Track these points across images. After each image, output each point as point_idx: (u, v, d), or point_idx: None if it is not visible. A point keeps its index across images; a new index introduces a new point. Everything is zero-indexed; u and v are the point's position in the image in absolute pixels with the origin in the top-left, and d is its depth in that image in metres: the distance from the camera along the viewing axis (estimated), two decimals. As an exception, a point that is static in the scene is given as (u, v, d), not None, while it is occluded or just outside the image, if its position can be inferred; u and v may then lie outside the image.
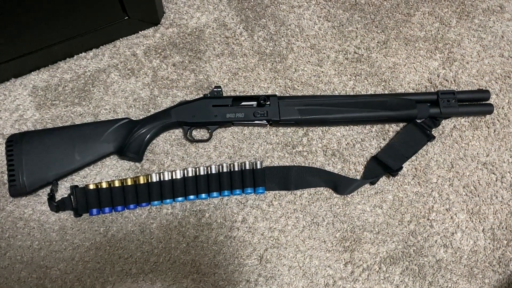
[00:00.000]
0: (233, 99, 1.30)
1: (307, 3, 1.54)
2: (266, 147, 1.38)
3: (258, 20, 1.52)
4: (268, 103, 1.32)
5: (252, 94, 1.42)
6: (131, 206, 1.25)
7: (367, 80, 1.42)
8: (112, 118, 1.36)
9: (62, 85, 1.41)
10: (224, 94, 1.38)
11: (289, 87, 1.46)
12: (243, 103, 1.31)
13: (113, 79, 1.42)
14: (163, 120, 1.32)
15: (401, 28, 1.47)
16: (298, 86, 1.46)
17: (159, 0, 1.42)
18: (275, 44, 1.50)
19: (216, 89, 1.32)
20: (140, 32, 1.47)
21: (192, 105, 1.32)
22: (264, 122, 1.36)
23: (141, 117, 1.37)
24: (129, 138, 1.30)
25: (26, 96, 1.37)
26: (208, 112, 1.32)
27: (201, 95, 1.39)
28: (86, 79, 1.42)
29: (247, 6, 1.53)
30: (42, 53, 1.34)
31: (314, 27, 1.51)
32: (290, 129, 1.41)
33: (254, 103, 1.32)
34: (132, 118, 1.36)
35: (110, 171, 1.32)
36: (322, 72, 1.48)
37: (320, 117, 1.34)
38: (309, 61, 1.50)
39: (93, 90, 1.41)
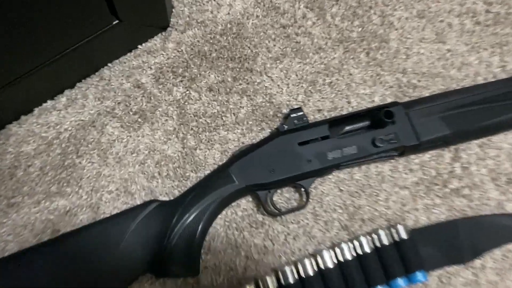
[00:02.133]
0: (330, 125, 0.81)
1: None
2: (399, 196, 0.83)
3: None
4: (392, 119, 0.79)
5: (355, 110, 0.89)
6: None
7: (523, 49, 0.90)
8: (126, 208, 0.79)
9: (23, 168, 0.83)
10: (309, 120, 0.83)
11: (404, 85, 0.91)
12: (348, 128, 0.83)
13: (111, 136, 0.85)
14: (221, 190, 0.76)
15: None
16: (419, 81, 0.91)
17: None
18: (363, 22, 0.95)
19: (294, 114, 0.81)
20: (140, 46, 0.91)
21: (264, 151, 0.78)
22: (393, 152, 0.83)
23: (176, 194, 0.82)
24: (168, 236, 0.75)
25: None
26: (294, 157, 0.77)
27: (271, 130, 0.87)
28: (63, 146, 0.84)
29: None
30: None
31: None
32: (429, 155, 0.88)
33: (366, 123, 0.83)
34: (163, 199, 0.81)
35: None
36: (449, 51, 0.95)
37: (482, 124, 0.82)
38: (423, 38, 0.96)
39: (79, 162, 0.83)
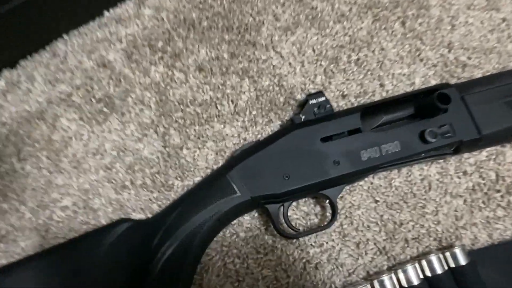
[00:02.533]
0: (362, 114, 0.63)
1: None
2: (451, 207, 0.64)
3: None
4: (448, 104, 0.58)
5: (392, 95, 0.69)
6: None
7: None
8: (88, 231, 0.58)
9: None
10: (334, 108, 0.63)
11: (451, 63, 0.70)
12: (386, 118, 0.63)
13: (67, 132, 0.63)
14: (217, 204, 0.56)
15: None
16: (470, 58, 0.71)
17: None
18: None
19: (314, 100, 0.62)
20: (107, 11, 0.70)
21: (274, 151, 0.59)
22: (446, 150, 0.64)
23: (156, 209, 0.61)
24: (147, 269, 0.55)
25: None
26: (316, 157, 0.58)
27: (282, 122, 0.67)
28: (3, 141, 0.65)
29: None
30: None
31: None
32: (486, 153, 0.67)
33: (409, 110, 0.64)
34: (137, 216, 0.61)
35: None
36: (503, 20, 0.74)
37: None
38: (471, 4, 0.76)
39: (21, 168, 0.61)
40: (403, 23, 0.73)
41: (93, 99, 0.65)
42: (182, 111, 0.66)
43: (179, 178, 0.63)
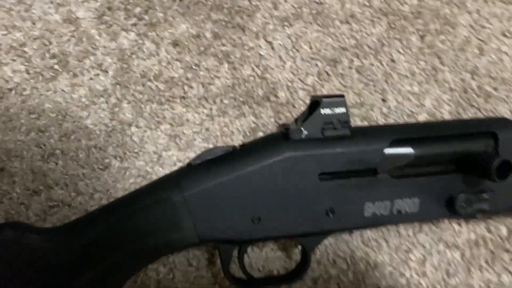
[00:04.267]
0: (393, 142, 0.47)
1: None
2: (444, 259, 0.52)
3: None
4: (508, 177, 0.43)
5: (391, 111, 0.58)
6: None
7: None
8: None
9: None
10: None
11: (472, 91, 0.59)
12: (417, 156, 0.48)
13: (7, 83, 0.54)
14: (152, 232, 0.43)
15: None
16: (496, 88, 0.60)
17: None
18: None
19: (329, 110, 0.45)
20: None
21: (250, 176, 0.43)
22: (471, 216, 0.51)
23: (82, 187, 0.51)
24: None
25: None
26: (304, 199, 0.44)
27: (255, 118, 0.57)
28: None
29: None
30: None
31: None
32: None
33: (448, 151, 0.48)
34: (56, 194, 0.51)
35: None
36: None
37: None
38: (508, 31, 0.66)
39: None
40: (422, 37, 0.64)
41: (47, 54, 0.57)
42: (143, 85, 0.57)
43: (118, 158, 0.53)
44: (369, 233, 0.53)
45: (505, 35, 0.65)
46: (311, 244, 0.46)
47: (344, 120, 0.44)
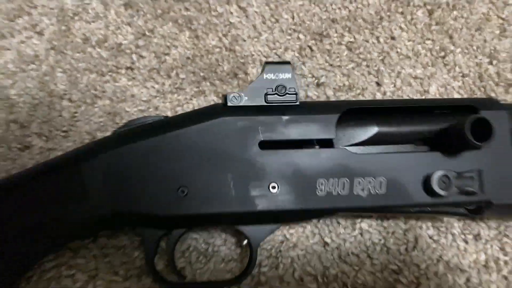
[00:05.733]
0: (344, 113, 0.41)
1: None
2: (444, 284, 0.41)
3: None
4: (488, 139, 0.35)
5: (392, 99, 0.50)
6: None
7: None
8: None
9: None
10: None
11: (490, 77, 0.50)
12: (379, 131, 0.42)
13: None
14: (54, 207, 0.36)
15: None
16: None
17: None
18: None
19: (273, 74, 0.40)
20: None
21: (174, 140, 0.37)
22: (460, 209, 0.41)
23: None
24: None
25: None
26: (242, 171, 0.37)
27: (218, 98, 0.48)
28: None
29: None
30: None
31: None
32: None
33: (422, 130, 0.42)
34: None
35: None
36: None
37: None
38: (536, 8, 0.59)
39: None
40: (430, 12, 0.54)
41: (-29, 9, 0.51)
42: (83, 52, 0.48)
43: (43, 138, 0.45)
44: (349, 246, 0.43)
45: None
46: (256, 234, 0.40)
47: (289, 87, 0.40)
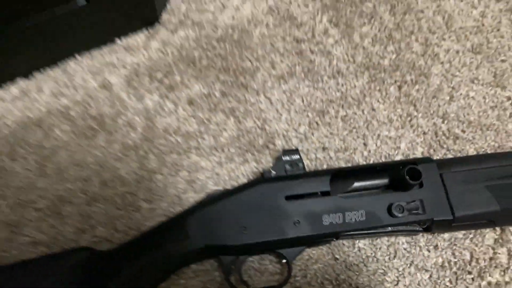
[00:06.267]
0: (333, 177, 0.64)
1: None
2: (415, 280, 0.64)
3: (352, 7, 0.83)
4: (420, 180, 0.59)
5: (372, 155, 0.72)
6: None
7: None
8: (45, 254, 0.62)
9: None
10: (307, 168, 0.67)
11: (443, 134, 0.72)
12: (357, 185, 0.66)
13: (58, 141, 0.71)
14: (168, 247, 0.60)
15: None
16: (464, 131, 0.72)
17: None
18: (399, 48, 0.78)
19: (287, 157, 0.65)
20: (119, 40, 0.79)
21: (237, 201, 0.61)
22: (415, 227, 0.63)
23: (119, 226, 0.66)
24: None
25: None
26: (277, 215, 0.60)
27: (256, 163, 0.71)
28: (1, 140, 0.71)
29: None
30: None
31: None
32: (464, 235, 0.69)
33: (384, 180, 0.65)
34: (99, 232, 0.66)
35: None
36: (508, 99, 0.75)
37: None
38: (476, 79, 0.76)
39: (11, 167, 0.69)
40: (399, 87, 0.76)
41: (87, 115, 0.73)
42: (165, 139, 0.72)
43: (147, 201, 0.68)
44: (351, 259, 0.66)
45: (473, 82, 0.77)
46: (291, 254, 0.62)
47: (299, 163, 0.64)
